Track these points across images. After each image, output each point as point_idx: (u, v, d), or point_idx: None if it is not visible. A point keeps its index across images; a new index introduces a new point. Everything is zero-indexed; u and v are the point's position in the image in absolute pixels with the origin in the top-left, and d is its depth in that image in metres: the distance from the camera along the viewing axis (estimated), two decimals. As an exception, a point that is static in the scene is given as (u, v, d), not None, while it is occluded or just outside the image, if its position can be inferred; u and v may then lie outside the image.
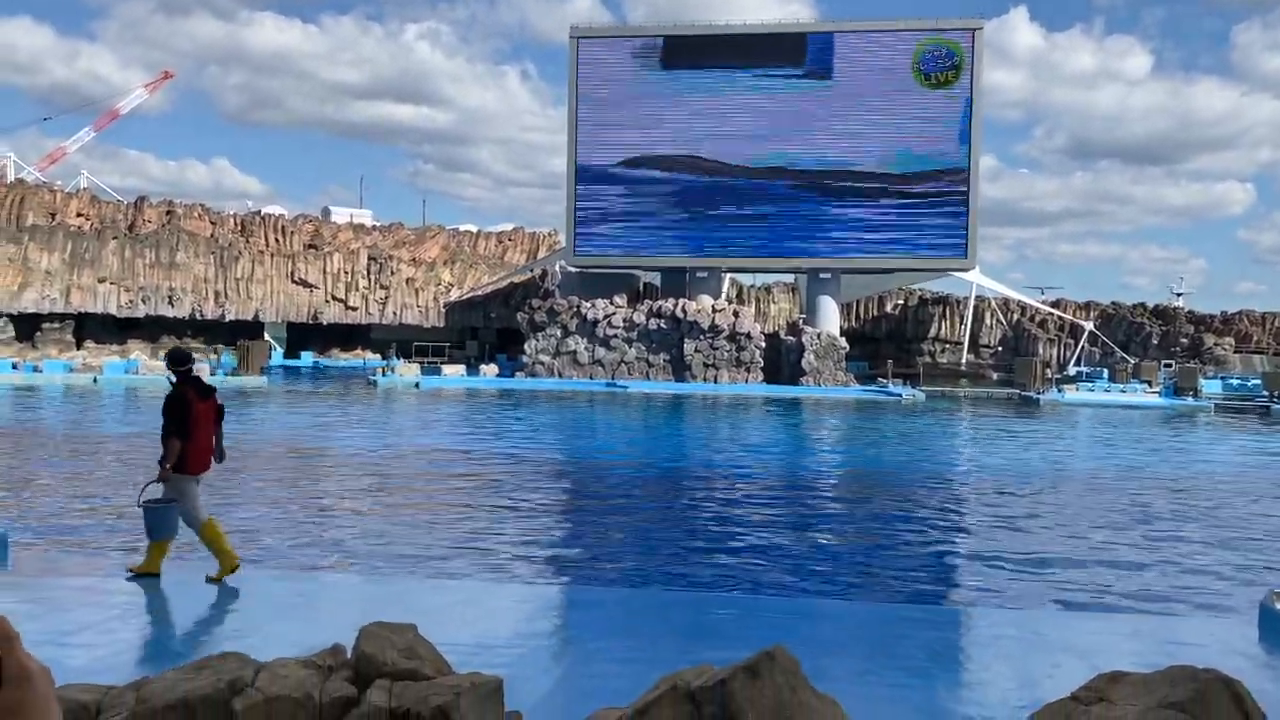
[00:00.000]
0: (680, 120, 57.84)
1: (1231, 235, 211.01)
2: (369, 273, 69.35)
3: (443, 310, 70.59)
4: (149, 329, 63.26)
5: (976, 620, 9.16)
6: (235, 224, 69.92)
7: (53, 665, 1.05)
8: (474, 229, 78.60)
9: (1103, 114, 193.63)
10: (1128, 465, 24.83)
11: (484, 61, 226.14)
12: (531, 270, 70.30)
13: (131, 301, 62.40)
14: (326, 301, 68.37)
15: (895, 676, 6.47)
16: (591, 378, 53.48)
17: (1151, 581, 12.16)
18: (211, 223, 69.05)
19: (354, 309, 69.07)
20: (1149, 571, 12.70)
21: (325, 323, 68.79)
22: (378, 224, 77.48)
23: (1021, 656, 7.19)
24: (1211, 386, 51.51)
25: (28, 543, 11.63)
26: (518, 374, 54.93)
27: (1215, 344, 60.54)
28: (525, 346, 55.93)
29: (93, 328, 61.89)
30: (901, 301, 70.87)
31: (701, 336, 53.37)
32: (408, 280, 70.25)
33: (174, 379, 8.95)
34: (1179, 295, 79.21)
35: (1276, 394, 48.60)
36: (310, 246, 69.87)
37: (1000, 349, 66.86)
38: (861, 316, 70.47)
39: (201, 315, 64.44)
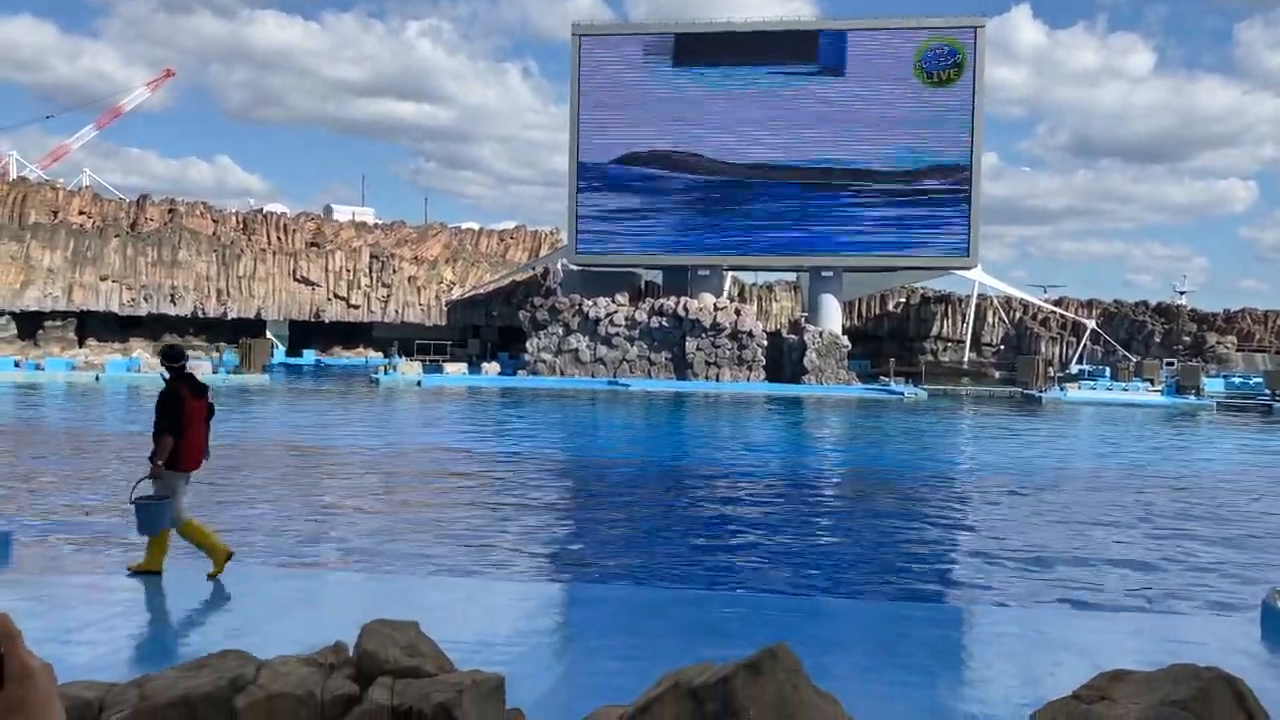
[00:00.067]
0: (681, 118, 57.81)
1: (1234, 233, 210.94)
2: (371, 271, 69.38)
3: (445, 308, 70.61)
4: (151, 327, 63.28)
5: (978, 618, 9.16)
6: (237, 222, 69.94)
7: (55, 663, 1.05)
8: (476, 227, 78.62)
9: (1105, 112, 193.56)
10: (1130, 464, 24.81)
11: (486, 59, 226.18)
12: (533, 268, 70.30)
13: (134, 300, 62.44)
14: (329, 300, 68.40)
15: (897, 674, 6.47)
16: (593, 376, 53.49)
17: (1153, 580, 12.15)
18: (214, 221, 69.08)
19: (356, 307, 69.10)
20: (1151, 570, 12.70)
21: (327, 321, 68.83)
22: (380, 222, 77.49)
23: (1023, 654, 7.19)
24: (1214, 385, 51.48)
25: (30, 540, 11.64)
26: (519, 372, 54.95)
27: (1218, 342, 60.49)
28: (527, 345, 55.94)
29: (95, 326, 61.94)
30: (904, 300, 70.84)
31: (703, 335, 53.37)
32: (410, 278, 70.28)
33: (167, 376, 8.98)
34: (1181, 293, 79.18)
35: (1278, 392, 48.56)
36: (312, 244, 69.90)
37: (1002, 347, 66.81)
38: (863, 315, 70.44)
39: (203, 313, 64.48)
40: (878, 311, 71.21)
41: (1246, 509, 18.18)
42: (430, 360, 58.62)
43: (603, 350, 54.43)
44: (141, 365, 49.11)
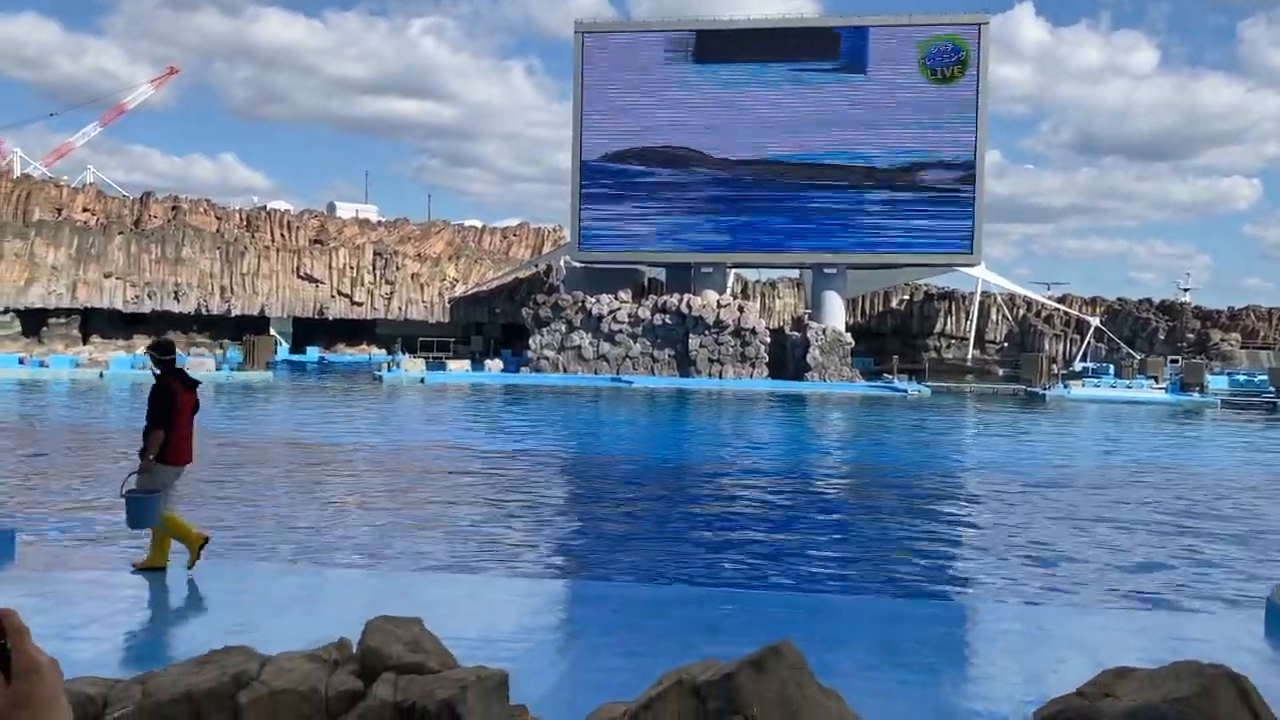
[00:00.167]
0: (684, 115, 57.78)
1: (1238, 231, 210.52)
2: (374, 268, 69.42)
3: (448, 306, 70.64)
4: (155, 324, 63.31)
5: (982, 615, 9.16)
6: (241, 219, 70.00)
7: (59, 658, 1.05)
8: (479, 224, 78.62)
9: (1109, 109, 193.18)
10: (1133, 461, 24.78)
11: (489, 56, 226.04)
12: (536, 266, 70.30)
13: (137, 297, 62.51)
14: (332, 297, 68.46)
15: (901, 672, 6.47)
16: (596, 373, 53.50)
17: (1157, 577, 12.14)
18: (217, 218, 69.14)
19: (359, 304, 69.14)
20: (1155, 567, 12.69)
21: (331, 318, 68.88)
22: (383, 219, 77.50)
23: (1027, 652, 7.19)
24: (1218, 382, 51.40)
25: (34, 537, 11.66)
26: (522, 369, 54.97)
27: (1221, 339, 60.40)
28: (530, 342, 55.96)
29: (99, 323, 62.02)
30: (907, 297, 70.80)
31: (706, 332, 53.36)
32: (413, 276, 70.31)
33: (158, 370, 9.03)
34: (1185, 291, 79.02)
35: (1283, 390, 48.49)
36: (316, 242, 69.94)
37: (1006, 345, 66.75)
38: (867, 312, 70.40)
39: (207, 310, 64.54)
40: (881, 309, 71.17)
41: (1250, 506, 18.15)
42: (433, 357, 58.65)
43: (606, 347, 54.44)
44: (145, 362, 49.17)
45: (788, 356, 54.49)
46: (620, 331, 54.38)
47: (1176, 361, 54.72)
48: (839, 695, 4.24)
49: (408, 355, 57.49)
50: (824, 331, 53.53)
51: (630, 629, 7.51)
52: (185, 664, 4.48)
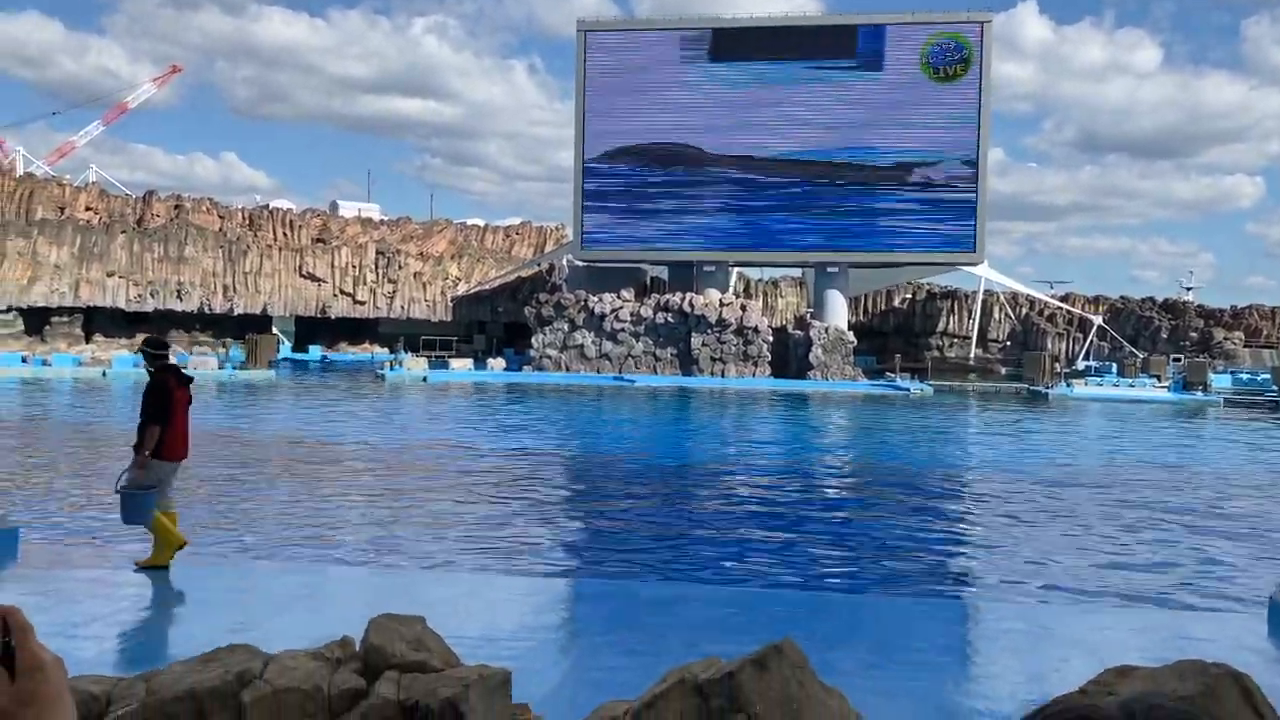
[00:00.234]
0: (686, 114, 57.75)
1: (1241, 229, 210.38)
2: (377, 267, 69.43)
3: (450, 304, 70.65)
4: (158, 323, 63.33)
5: (984, 614, 9.16)
6: (243, 218, 70.03)
7: (63, 656, 1.05)
8: (481, 223, 78.62)
9: (1112, 107, 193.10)
10: (1136, 460, 24.76)
11: (491, 55, 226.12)
12: (539, 264, 70.31)
13: (140, 295, 62.56)
14: (334, 295, 68.48)
15: (903, 670, 6.47)
16: (599, 372, 53.50)
17: (1160, 576, 12.13)
18: (220, 217, 69.18)
19: (362, 303, 69.17)
20: (1157, 565, 12.68)
21: (333, 317, 68.91)
22: (385, 218, 77.52)
23: (1029, 650, 7.18)
24: (1221, 381, 51.33)
25: (38, 535, 11.68)
26: (525, 368, 54.97)
27: (1225, 338, 60.35)
28: (532, 340, 55.96)
29: (101, 321, 62.07)
30: (909, 296, 70.76)
31: (709, 330, 53.34)
32: (415, 274, 70.32)
33: (151, 368, 9.07)
34: (1188, 289, 78.85)
35: (1286, 388, 48.43)
36: (318, 240, 69.97)
37: (1008, 343, 66.71)
38: (869, 311, 70.37)
39: (210, 309, 64.59)
40: (883, 307, 71.14)
41: (1253, 505, 18.14)
42: (436, 356, 58.65)
43: (608, 346, 54.43)
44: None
45: (790, 355, 54.47)
46: (623, 330, 54.37)
47: (1179, 360, 54.67)
48: (841, 694, 4.25)
49: (410, 354, 57.50)
50: (826, 330, 53.51)
51: (632, 627, 7.51)
52: (188, 662, 4.49)
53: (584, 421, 33.63)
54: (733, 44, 57.45)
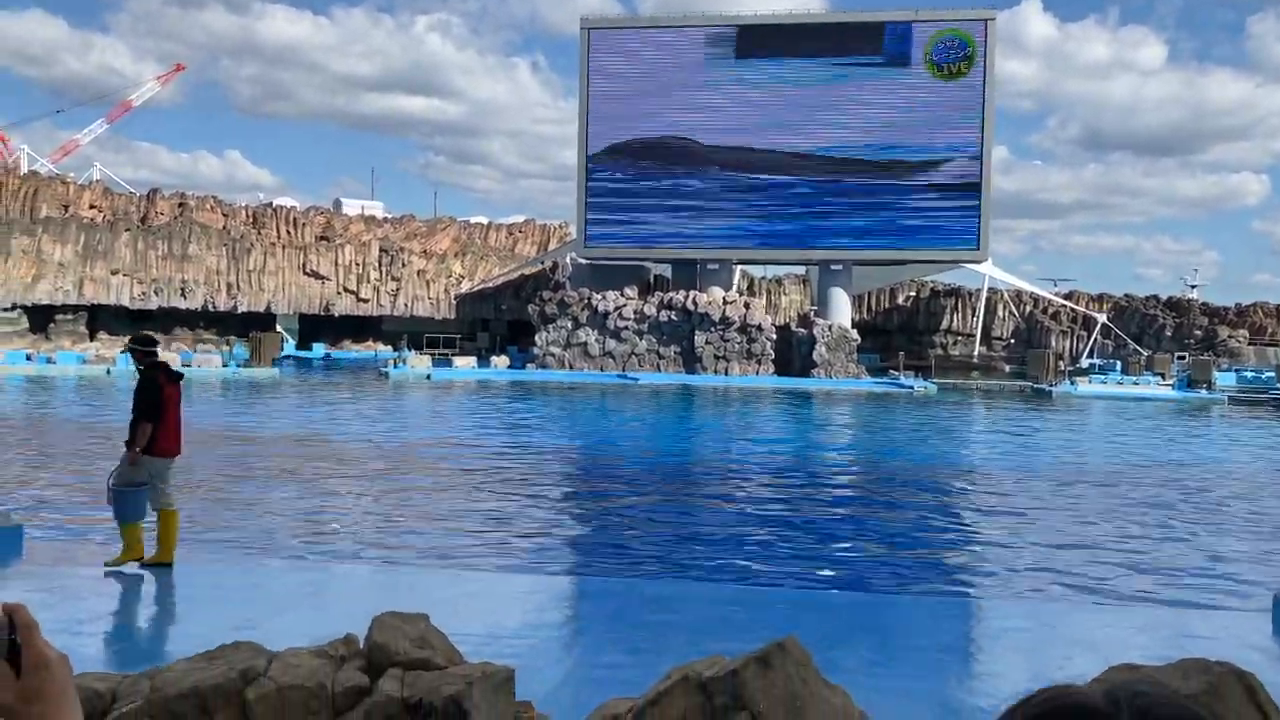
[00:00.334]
0: (690, 112, 57.69)
1: (1246, 227, 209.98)
2: (380, 265, 69.45)
3: (454, 302, 70.67)
4: (162, 321, 63.44)
5: (988, 612, 9.15)
6: (247, 216, 70.08)
7: (68, 653, 1.05)
8: (485, 221, 78.62)
9: (1116, 105, 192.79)
10: (1140, 458, 24.73)
11: (495, 53, 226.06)
12: (542, 262, 70.31)
13: (144, 293, 62.64)
14: (338, 293, 68.52)
15: (906, 668, 6.47)
16: (602, 370, 53.49)
17: (1164, 574, 12.12)
18: (223, 215, 69.23)
19: (365, 301, 69.20)
20: (1162, 564, 12.66)
21: (337, 314, 68.94)
22: (389, 216, 77.54)
23: (1033, 648, 7.18)
24: (1225, 379, 51.23)
25: (42, 533, 11.71)
26: (528, 366, 54.97)
27: (1229, 336, 60.22)
28: (536, 338, 55.96)
29: (106, 319, 62.15)
30: (913, 293, 70.69)
31: (712, 328, 53.32)
32: (419, 272, 70.34)
33: (141, 365, 9.09)
34: (1193, 287, 78.73)
35: (1291, 386, 48.35)
36: (322, 238, 70.01)
37: (1012, 341, 66.63)
38: (873, 308, 70.32)
39: (214, 307, 64.65)
40: (887, 305, 71.08)
41: (1258, 503, 18.11)
42: (439, 354, 58.67)
43: (611, 344, 54.43)
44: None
45: (794, 353, 54.42)
46: (626, 328, 54.36)
47: (1184, 358, 54.55)
48: (845, 692, 4.25)
49: (414, 352, 57.52)
50: (830, 328, 53.47)
51: (635, 625, 7.52)
52: (192, 660, 4.50)
53: (587, 420, 33.64)
54: (736, 41, 57.37)
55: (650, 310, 54.39)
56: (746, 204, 57.54)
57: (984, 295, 64.33)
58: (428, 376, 49.54)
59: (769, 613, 7.97)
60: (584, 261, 61.27)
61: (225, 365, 48.71)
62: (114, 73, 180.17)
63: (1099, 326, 62.95)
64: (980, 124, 55.51)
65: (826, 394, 45.93)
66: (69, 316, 60.55)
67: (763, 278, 73.55)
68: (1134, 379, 51.61)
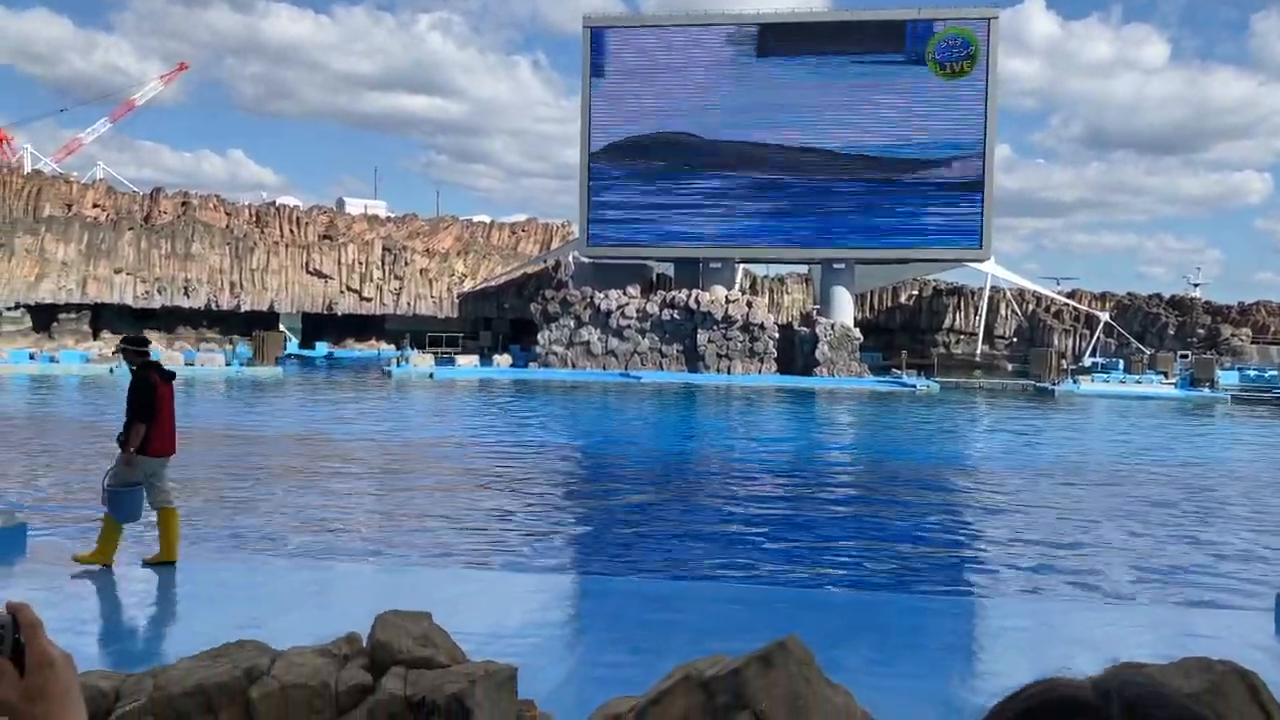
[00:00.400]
0: (693, 111, 57.68)
1: (1249, 225, 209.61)
2: (383, 263, 69.48)
3: (456, 301, 70.68)
4: (165, 320, 63.53)
5: (990, 611, 9.15)
6: (250, 215, 70.12)
7: (71, 652, 1.06)
8: (487, 220, 78.65)
9: (1119, 103, 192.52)
10: (1143, 457, 24.71)
11: (496, 52, 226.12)
12: (545, 261, 70.31)
13: (147, 292, 62.68)
14: (341, 292, 68.54)
15: (908, 667, 6.47)
16: (605, 368, 53.48)
17: (1167, 573, 12.11)
18: (227, 214, 69.26)
19: (368, 300, 69.22)
20: (1164, 563, 12.65)
21: (340, 313, 68.97)
22: (392, 215, 77.57)
23: (1035, 647, 7.18)
24: (1228, 377, 51.18)
25: (45, 531, 11.72)
26: (531, 364, 54.98)
27: (1232, 335, 60.12)
28: (538, 337, 55.96)
29: (109, 318, 62.19)
30: (916, 292, 70.63)
31: (715, 327, 53.31)
32: (421, 271, 70.36)
33: (133, 365, 9.10)
34: (1195, 286, 78.56)
35: (1294, 385, 48.27)
36: (325, 237, 70.04)
37: (1015, 340, 66.57)
38: (875, 307, 70.26)
39: (217, 306, 64.69)
40: (890, 304, 71.02)
41: (1261, 502, 18.09)
42: (442, 353, 58.70)
43: (614, 342, 54.42)
44: (156, 358, 49.25)
45: (796, 352, 54.39)
46: (629, 327, 54.35)
47: (1186, 357, 54.47)
48: (847, 691, 4.25)
49: (416, 350, 57.53)
50: (832, 327, 53.44)
51: (638, 624, 7.52)
52: (197, 658, 4.50)
53: (590, 418, 33.64)
54: (737, 40, 57.35)
55: (653, 309, 54.38)
56: (748, 203, 57.50)
57: (986, 294, 64.27)
58: (430, 375, 49.56)
59: (771, 612, 7.97)
60: (586, 260, 61.27)
61: (228, 364, 48.75)
62: (118, 71, 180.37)
63: (1101, 325, 62.87)
64: (983, 122, 55.45)
65: (829, 393, 45.91)
66: (72, 315, 60.60)
67: (765, 276, 73.51)
68: (1136, 378, 51.54)
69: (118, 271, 61.64)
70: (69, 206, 64.16)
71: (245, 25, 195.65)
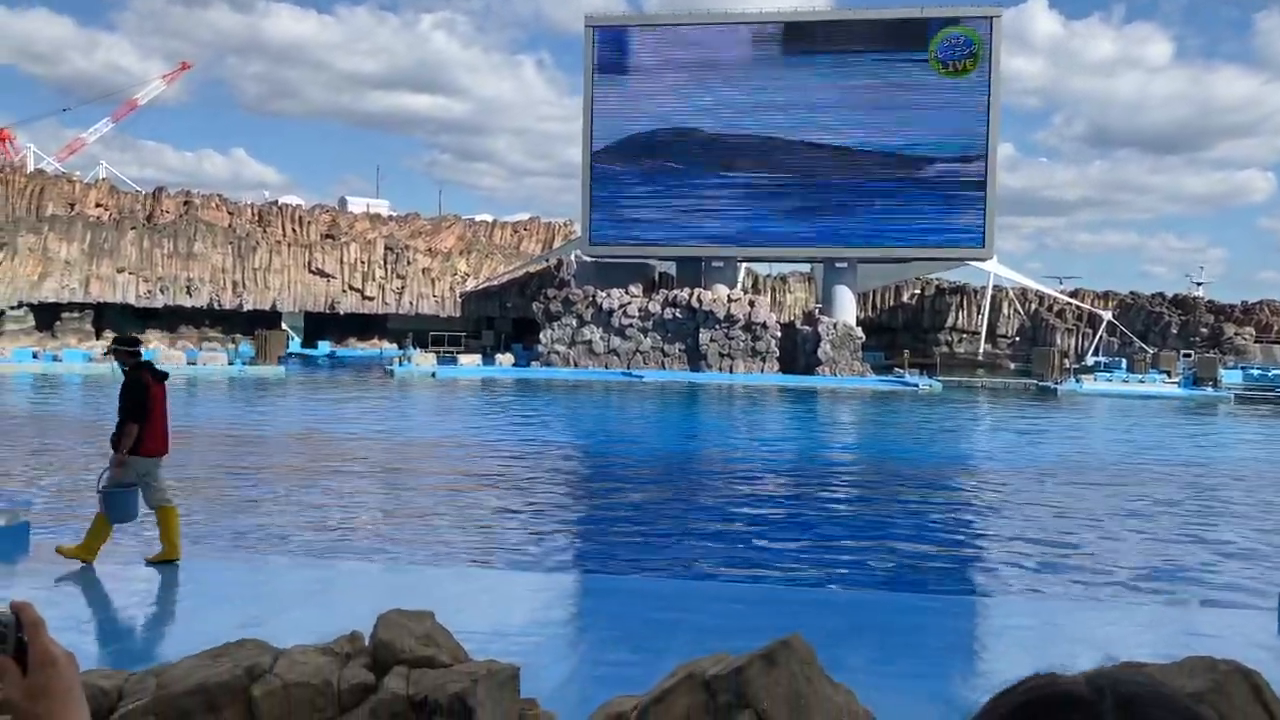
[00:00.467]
0: (694, 110, 57.67)
1: (1252, 224, 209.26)
2: (386, 262, 69.50)
3: (459, 300, 70.70)
4: (167, 319, 63.59)
5: (993, 610, 9.14)
6: (253, 214, 70.16)
7: (74, 651, 1.06)
8: (490, 219, 78.66)
9: (1122, 102, 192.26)
10: (1146, 456, 24.69)
11: (500, 51, 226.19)
12: (547, 260, 70.31)
13: (150, 292, 62.73)
14: (343, 291, 68.57)
15: (911, 666, 6.47)
16: (607, 367, 53.49)
17: (1169, 572, 12.10)
18: (229, 213, 69.31)
19: (371, 299, 69.25)
20: (1167, 562, 12.64)
21: (342, 312, 69.00)
22: (394, 214, 77.58)
23: (1038, 646, 7.17)
24: (1231, 377, 51.11)
25: (48, 530, 11.73)
26: (533, 363, 54.99)
27: (1235, 334, 60.05)
28: (541, 336, 55.97)
29: (111, 317, 62.23)
30: (918, 291, 70.58)
31: (717, 326, 53.30)
32: (424, 270, 70.37)
33: (125, 366, 9.11)
34: (1198, 285, 78.44)
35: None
36: (327, 236, 70.07)
37: (1018, 339, 66.52)
38: (878, 306, 70.21)
39: (219, 305, 64.74)
40: (892, 303, 70.97)
41: (1264, 502, 18.07)
42: (445, 352, 58.71)
43: (616, 341, 54.42)
44: (158, 357, 49.33)
45: (798, 351, 54.37)
46: (631, 326, 54.35)
47: (1189, 356, 54.42)
48: (849, 690, 4.25)
49: (419, 350, 57.55)
50: (835, 326, 53.41)
51: (640, 623, 7.52)
52: (199, 657, 4.51)
53: (592, 417, 33.64)
54: (738, 39, 57.32)
55: (655, 308, 54.38)
56: (750, 202, 57.47)
57: (989, 293, 64.21)
58: (433, 374, 49.57)
59: (773, 610, 7.97)
60: (589, 259, 61.26)
61: (231, 363, 48.77)
62: (120, 71, 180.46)
63: (1104, 324, 62.81)
64: (985, 121, 55.39)
65: (831, 392, 45.89)
66: (75, 314, 60.66)
67: (767, 275, 73.48)
68: (1139, 377, 51.49)
69: (120, 271, 61.70)
70: (72, 206, 64.23)
71: (247, 25, 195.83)
